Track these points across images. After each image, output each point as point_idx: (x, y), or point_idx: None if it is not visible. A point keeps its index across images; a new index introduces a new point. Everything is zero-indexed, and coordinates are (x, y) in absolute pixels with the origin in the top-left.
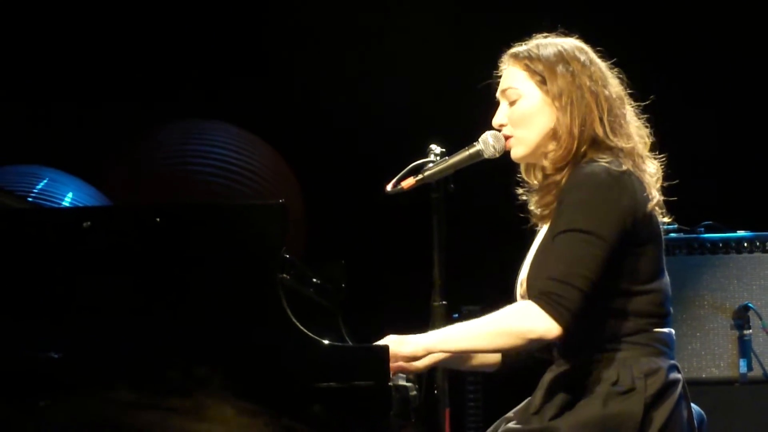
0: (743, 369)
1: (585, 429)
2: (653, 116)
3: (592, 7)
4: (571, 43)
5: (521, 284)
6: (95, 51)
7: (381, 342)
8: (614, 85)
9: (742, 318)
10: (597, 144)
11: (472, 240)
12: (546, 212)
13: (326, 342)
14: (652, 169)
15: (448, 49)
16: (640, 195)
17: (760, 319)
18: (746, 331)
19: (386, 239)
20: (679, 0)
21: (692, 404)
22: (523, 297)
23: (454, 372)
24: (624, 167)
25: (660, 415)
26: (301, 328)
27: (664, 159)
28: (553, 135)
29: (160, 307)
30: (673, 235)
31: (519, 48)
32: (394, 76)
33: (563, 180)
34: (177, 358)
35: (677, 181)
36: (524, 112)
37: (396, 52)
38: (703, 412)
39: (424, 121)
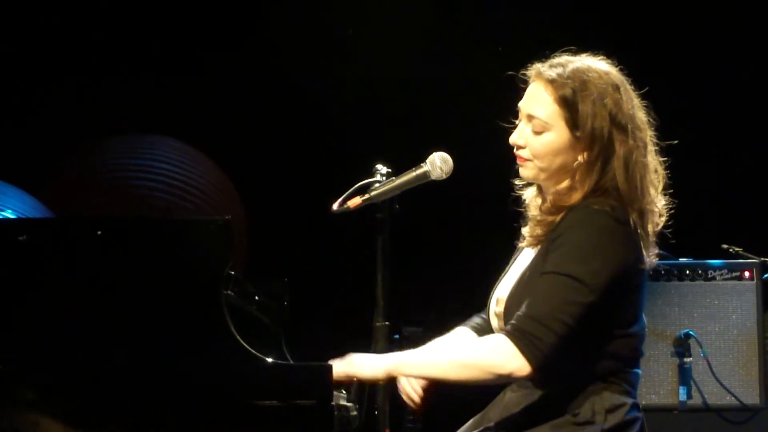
0: (683, 397)
1: None
2: None
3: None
4: (608, 79)
5: (497, 301)
6: (39, 60)
7: (341, 360)
8: (642, 127)
9: (682, 346)
10: (611, 192)
11: (416, 260)
12: (534, 240)
13: (269, 360)
14: (657, 216)
15: (398, 65)
16: (638, 250)
17: (701, 347)
18: (687, 359)
19: (330, 257)
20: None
21: None
22: (498, 315)
23: (394, 392)
24: (629, 218)
25: None
26: (244, 345)
27: (672, 203)
28: (572, 175)
29: (98, 322)
30: None
31: (553, 71)
32: (341, 91)
33: (562, 216)
34: (117, 372)
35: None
36: (549, 148)
37: (346, 66)
38: None
39: (372, 139)
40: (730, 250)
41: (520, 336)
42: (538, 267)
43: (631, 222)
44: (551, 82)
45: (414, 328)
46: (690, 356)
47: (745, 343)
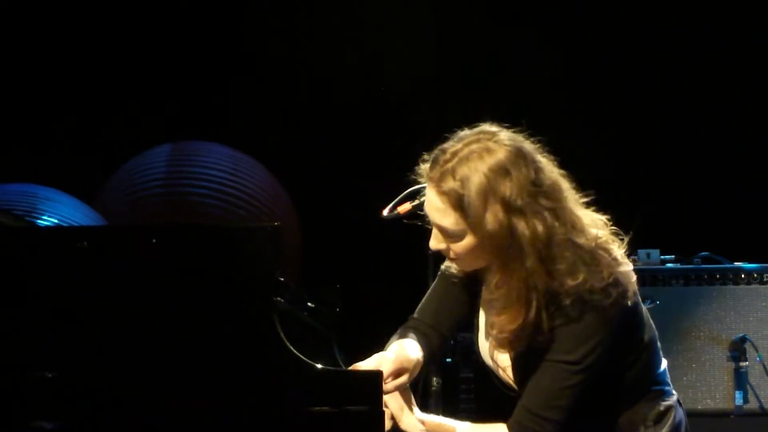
0: (739, 401)
1: None
2: (652, 141)
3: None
4: (496, 165)
5: (499, 364)
6: (91, 70)
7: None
8: (550, 191)
9: (738, 350)
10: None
11: None
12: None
13: (319, 366)
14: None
15: (447, 75)
16: (628, 313)
17: (757, 351)
18: (743, 363)
19: (382, 263)
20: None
21: None
22: (510, 380)
23: (448, 403)
24: (628, 301)
25: None
26: (295, 351)
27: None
28: (497, 285)
29: (151, 329)
30: (670, 265)
31: (441, 179)
32: (392, 102)
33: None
34: (170, 379)
35: (676, 213)
36: (469, 251)
37: (401, 71)
38: None
39: (424, 144)
40: None
41: (519, 429)
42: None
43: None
44: (440, 190)
45: (468, 334)
46: (746, 360)
47: None
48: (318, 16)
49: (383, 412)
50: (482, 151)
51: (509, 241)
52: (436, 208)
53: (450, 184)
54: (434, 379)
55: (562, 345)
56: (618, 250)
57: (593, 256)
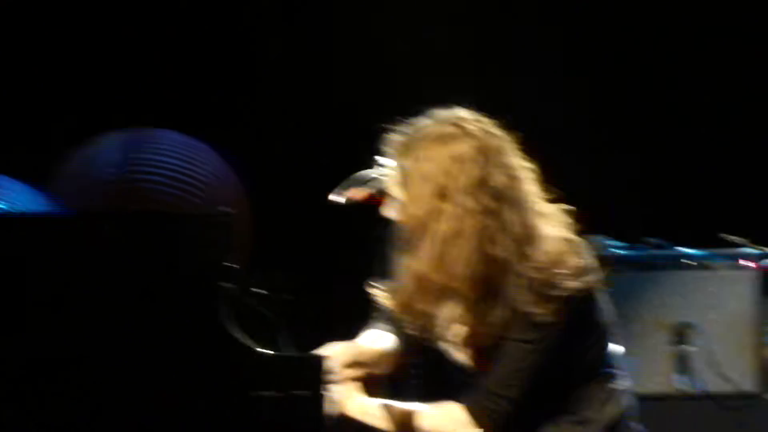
0: (682, 385)
1: None
2: (596, 126)
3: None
4: (450, 157)
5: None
6: (43, 55)
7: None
8: (517, 176)
9: (681, 334)
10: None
11: None
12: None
13: (267, 351)
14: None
15: (399, 62)
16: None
17: (700, 335)
18: (685, 348)
19: (333, 250)
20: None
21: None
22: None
23: (394, 388)
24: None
25: None
26: (241, 336)
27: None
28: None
29: (98, 316)
30: (616, 251)
31: (401, 155)
32: (344, 82)
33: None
34: (115, 365)
35: (619, 199)
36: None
37: (349, 56)
38: None
39: (376, 130)
40: (730, 239)
41: (475, 408)
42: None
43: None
44: (400, 164)
45: None
46: (689, 345)
47: (744, 331)
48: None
49: (327, 397)
50: (446, 137)
51: (424, 226)
52: (392, 175)
53: (404, 157)
54: None
55: (519, 326)
56: (577, 258)
57: (539, 270)
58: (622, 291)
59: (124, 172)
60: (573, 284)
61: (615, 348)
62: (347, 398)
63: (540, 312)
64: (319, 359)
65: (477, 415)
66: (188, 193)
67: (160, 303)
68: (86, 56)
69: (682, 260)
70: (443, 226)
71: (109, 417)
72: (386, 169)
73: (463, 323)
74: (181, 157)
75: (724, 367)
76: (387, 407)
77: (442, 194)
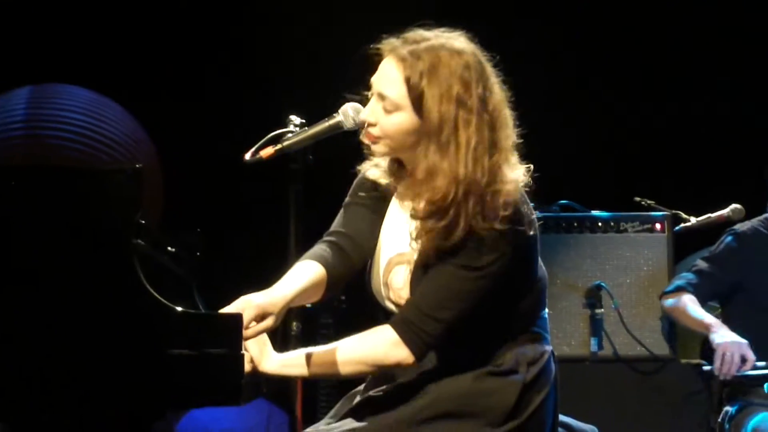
0: (594, 347)
1: (453, 400)
2: (518, 93)
3: None
4: (459, 60)
5: (386, 285)
6: None
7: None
8: (498, 94)
9: (594, 297)
10: (487, 180)
11: (330, 212)
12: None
13: (179, 309)
14: (519, 176)
15: (315, 16)
16: (524, 235)
17: (612, 298)
18: (598, 310)
19: (244, 209)
20: None
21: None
22: (393, 302)
23: (308, 343)
24: (514, 202)
25: (533, 402)
26: (154, 293)
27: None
28: (427, 177)
29: (12, 271)
30: None
31: (406, 49)
32: (255, 39)
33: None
34: (23, 324)
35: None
36: (396, 129)
37: (260, 13)
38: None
39: (286, 89)
40: (642, 202)
41: (405, 328)
42: (433, 256)
43: (518, 208)
44: (402, 60)
45: None
46: (601, 308)
47: (656, 294)
48: None
49: (242, 356)
50: (453, 47)
51: (449, 134)
52: (388, 77)
53: (414, 55)
54: (294, 323)
55: (467, 252)
56: (527, 206)
57: (514, 187)
58: None
59: (29, 127)
60: (523, 226)
61: (545, 313)
62: (262, 355)
63: (490, 240)
64: (235, 317)
65: (408, 335)
66: (97, 150)
67: (72, 259)
68: None
69: (595, 222)
70: (468, 133)
71: (22, 378)
72: (297, 128)
73: (419, 238)
74: (88, 114)
75: (637, 330)
76: (308, 354)
77: (460, 100)
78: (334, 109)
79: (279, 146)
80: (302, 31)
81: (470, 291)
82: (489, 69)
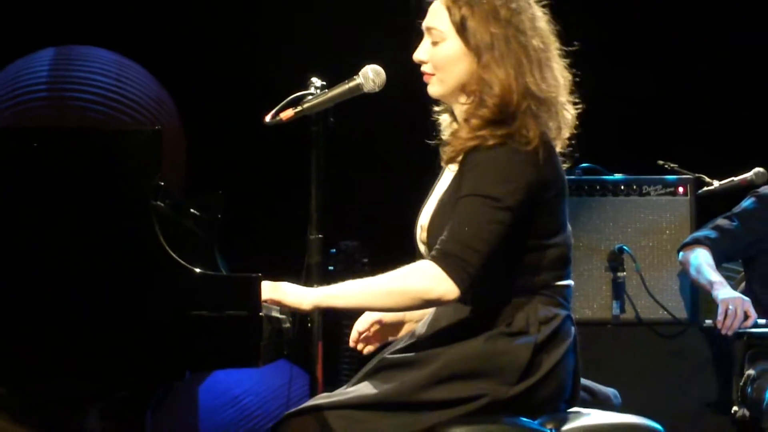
0: (616, 311)
1: (465, 362)
2: None
3: None
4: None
5: (422, 228)
6: None
7: (270, 283)
8: (544, 31)
9: (616, 260)
10: (532, 100)
11: (351, 175)
12: (454, 156)
13: (198, 270)
14: (567, 116)
15: None
16: (547, 166)
17: (634, 261)
18: (620, 274)
19: (265, 171)
20: None
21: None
22: (423, 242)
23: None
24: (530, 145)
25: (547, 362)
26: (173, 254)
27: (581, 106)
28: (465, 88)
29: (29, 233)
30: None
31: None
32: (275, 3)
33: (473, 146)
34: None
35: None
36: (443, 58)
37: None
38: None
39: (308, 53)
40: (665, 166)
41: (445, 259)
42: (455, 190)
43: (534, 145)
44: None
45: (350, 242)
46: (623, 271)
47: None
48: None
49: (262, 318)
50: None
51: (496, 52)
52: (433, 11)
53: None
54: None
55: (484, 179)
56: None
57: (547, 110)
58: None
59: (53, 89)
60: (545, 149)
61: (569, 282)
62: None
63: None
64: (253, 278)
65: (452, 267)
66: (120, 112)
67: (92, 220)
68: None
69: (617, 186)
70: (514, 46)
71: (45, 336)
72: (318, 90)
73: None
74: (111, 76)
75: (659, 294)
76: (350, 285)
77: (499, 22)
78: (355, 71)
79: (299, 108)
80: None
81: (498, 222)
82: (532, 6)
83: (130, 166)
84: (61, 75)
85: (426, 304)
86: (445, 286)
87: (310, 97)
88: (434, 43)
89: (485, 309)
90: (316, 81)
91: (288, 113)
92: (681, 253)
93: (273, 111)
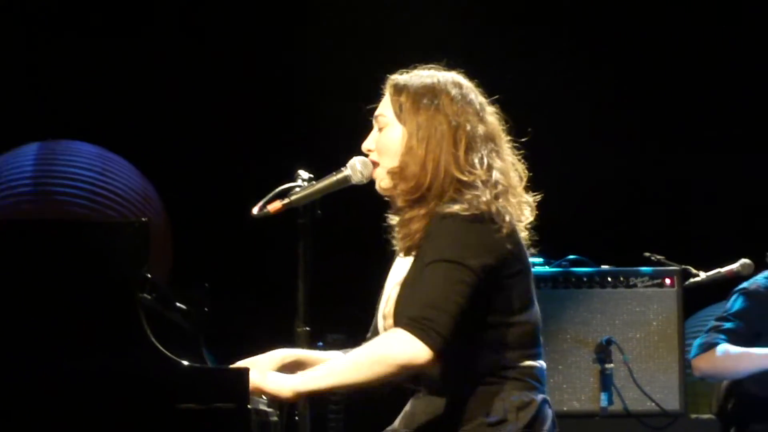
0: (604, 403)
1: None
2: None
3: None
4: (447, 77)
5: (385, 317)
6: None
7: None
8: (489, 122)
9: (604, 352)
10: (456, 180)
11: (338, 266)
12: (408, 243)
13: (185, 363)
14: (525, 205)
15: (318, 77)
16: (506, 230)
17: (622, 353)
18: (608, 365)
19: (252, 263)
20: None
21: None
22: (387, 330)
23: (315, 398)
24: (485, 206)
25: None
26: (160, 347)
27: (539, 195)
28: (402, 170)
29: (14, 324)
30: (538, 268)
31: (397, 76)
32: (263, 97)
33: (423, 215)
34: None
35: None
36: (386, 143)
37: (267, 71)
38: None
39: (293, 145)
40: (652, 257)
41: (413, 323)
42: (418, 269)
43: (488, 207)
44: (394, 85)
45: (337, 335)
46: (611, 362)
47: (666, 349)
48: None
49: (250, 410)
50: (444, 75)
51: (423, 136)
52: (383, 100)
53: (403, 82)
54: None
55: (444, 246)
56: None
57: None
58: (543, 308)
59: (38, 183)
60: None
61: (539, 363)
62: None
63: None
64: (242, 371)
65: (419, 329)
66: (104, 206)
67: (78, 313)
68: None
69: (604, 277)
70: (427, 134)
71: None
72: (305, 182)
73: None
74: (96, 169)
75: (647, 385)
76: (325, 366)
77: (440, 109)
78: (342, 163)
79: (287, 201)
80: (309, 85)
81: (461, 281)
82: (478, 98)
83: (117, 258)
84: (46, 170)
85: (401, 369)
86: (416, 349)
87: (297, 189)
88: (380, 130)
89: (459, 399)
90: (303, 173)
91: (276, 206)
92: (701, 365)
93: (260, 203)
